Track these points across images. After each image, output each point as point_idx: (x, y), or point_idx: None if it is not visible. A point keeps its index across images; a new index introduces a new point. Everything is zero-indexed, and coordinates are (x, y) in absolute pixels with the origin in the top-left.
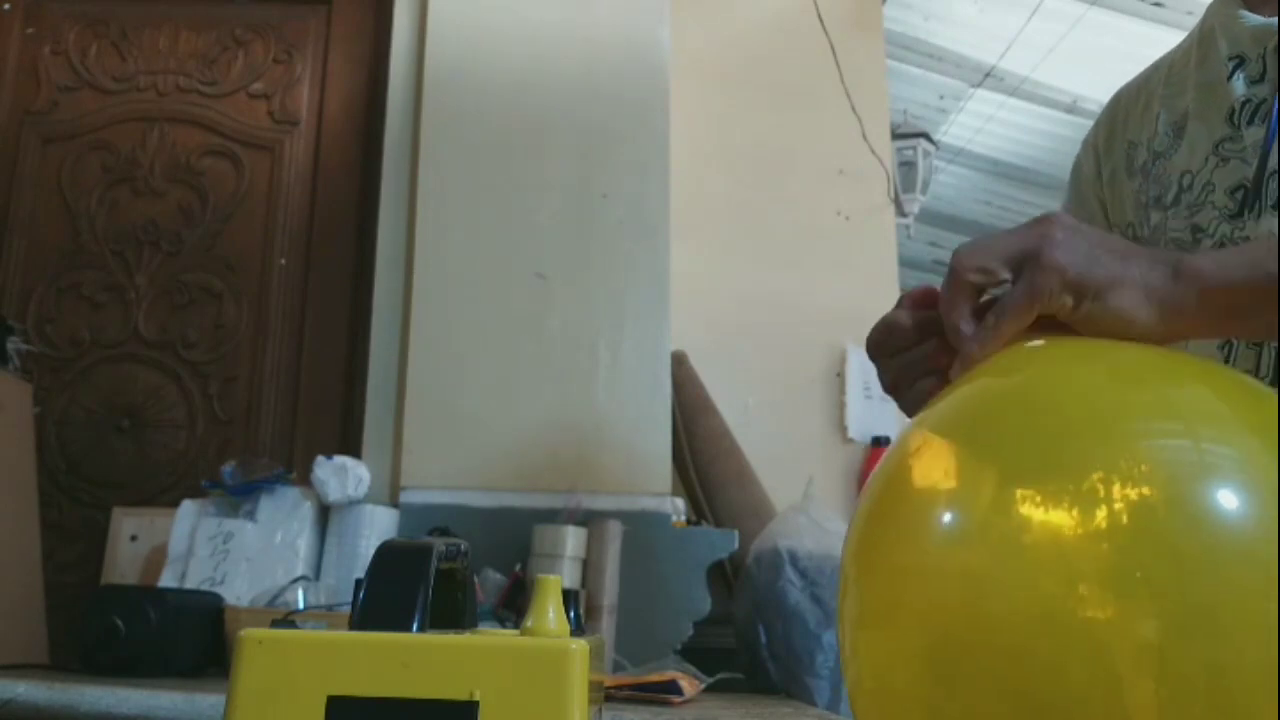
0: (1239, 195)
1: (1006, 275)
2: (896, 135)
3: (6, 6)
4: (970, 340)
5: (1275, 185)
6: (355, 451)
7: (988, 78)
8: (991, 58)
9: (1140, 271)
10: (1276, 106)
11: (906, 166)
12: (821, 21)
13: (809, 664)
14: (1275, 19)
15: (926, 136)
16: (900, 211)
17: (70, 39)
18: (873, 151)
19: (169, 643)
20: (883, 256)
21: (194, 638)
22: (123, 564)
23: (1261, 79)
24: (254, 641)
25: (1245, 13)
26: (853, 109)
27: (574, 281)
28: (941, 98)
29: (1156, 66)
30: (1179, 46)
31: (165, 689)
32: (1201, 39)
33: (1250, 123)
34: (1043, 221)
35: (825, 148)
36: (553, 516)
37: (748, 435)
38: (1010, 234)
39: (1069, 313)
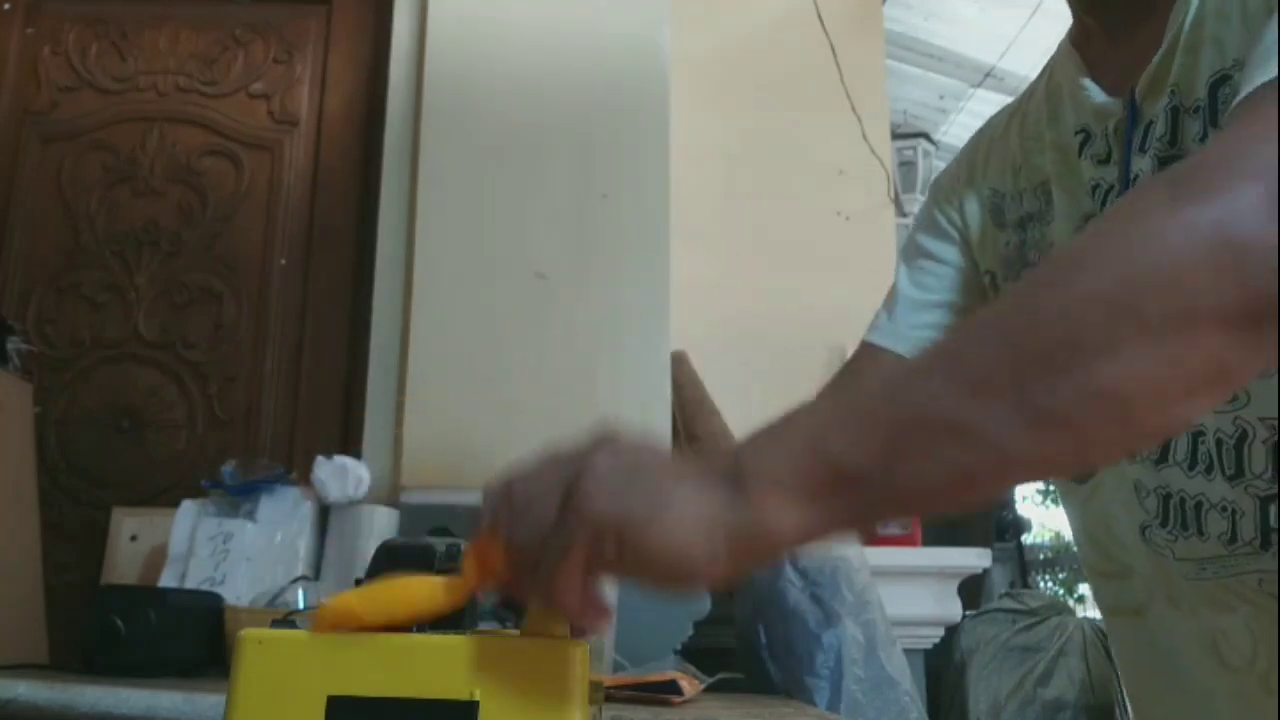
0: None
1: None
2: (896, 135)
3: (6, 6)
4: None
5: None
6: (355, 451)
7: (988, 78)
8: (991, 58)
9: (687, 497)
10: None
11: (906, 166)
12: (821, 21)
13: (809, 664)
14: (1115, 100)
15: (926, 136)
16: (900, 211)
17: (70, 39)
18: (873, 151)
19: (169, 643)
20: (883, 256)
21: (194, 638)
22: (123, 564)
23: (1108, 159)
24: (254, 641)
25: (1087, 82)
26: (853, 109)
27: (574, 281)
28: (941, 98)
29: (1017, 107)
30: (1034, 86)
31: (165, 689)
32: (1050, 94)
33: (1102, 209)
34: (591, 451)
35: (825, 148)
36: None
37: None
38: (554, 468)
39: (616, 561)
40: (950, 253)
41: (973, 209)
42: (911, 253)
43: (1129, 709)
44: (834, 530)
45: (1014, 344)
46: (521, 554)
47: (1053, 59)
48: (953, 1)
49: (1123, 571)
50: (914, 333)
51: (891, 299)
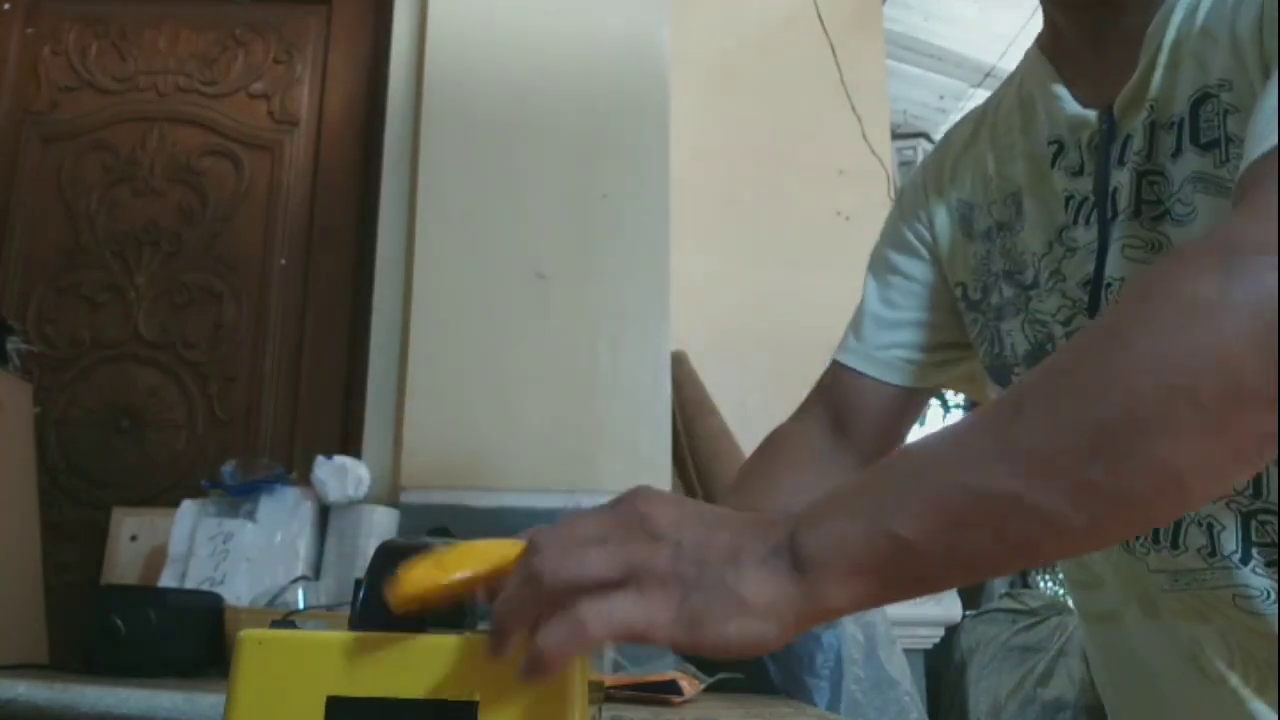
0: (1089, 290)
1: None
2: (896, 135)
3: (6, 6)
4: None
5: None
6: (355, 451)
7: (988, 78)
8: (991, 58)
9: (756, 586)
10: (1103, 217)
11: (906, 166)
12: (821, 21)
13: (809, 664)
14: (1090, 111)
15: (926, 136)
16: None
17: (70, 39)
18: (873, 151)
19: (169, 643)
20: None
21: (194, 638)
22: (123, 564)
23: (1081, 171)
24: (254, 642)
25: (1061, 91)
26: (853, 109)
27: (574, 281)
28: (941, 98)
29: (983, 115)
30: (1001, 94)
31: (165, 689)
32: (1022, 103)
33: (1076, 221)
34: (638, 517)
35: (825, 148)
36: (553, 516)
37: (748, 435)
38: (605, 541)
39: (686, 647)
40: (920, 269)
41: (942, 221)
42: (880, 267)
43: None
44: (893, 598)
45: (1073, 421)
46: (551, 591)
47: (1021, 66)
48: (953, 1)
49: (1093, 581)
50: (883, 353)
51: (859, 316)
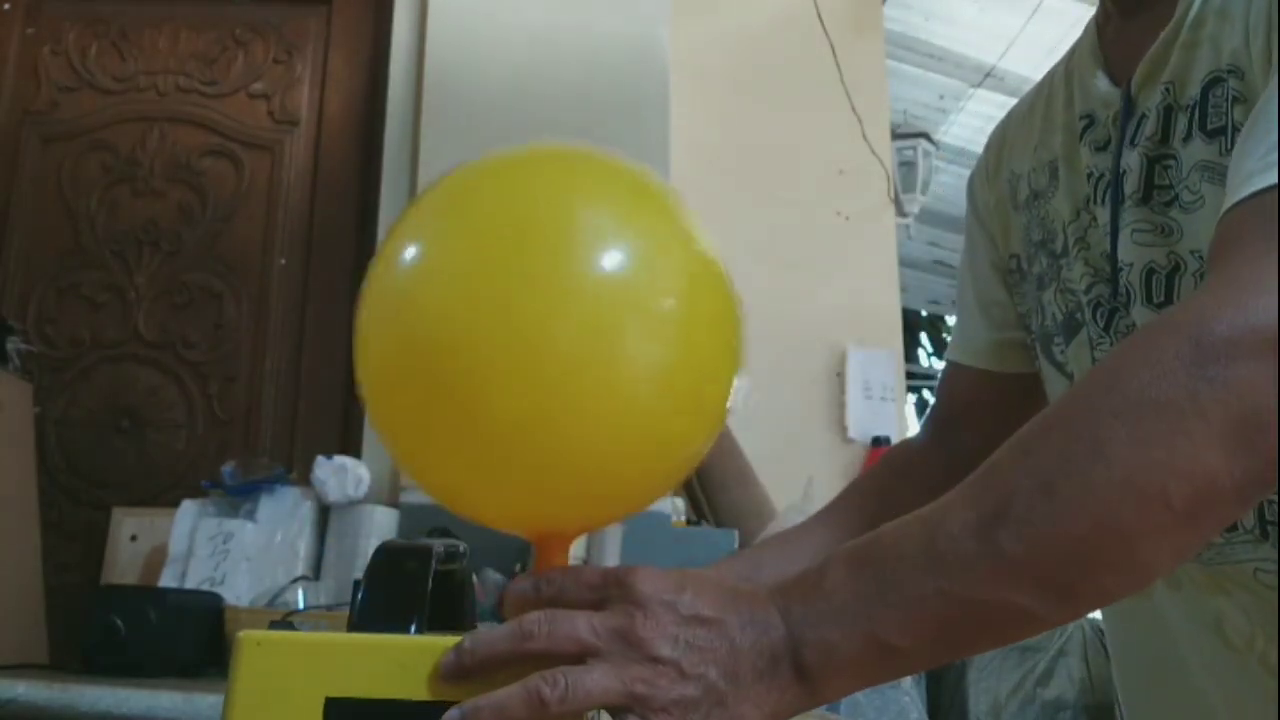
0: (1110, 262)
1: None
2: (896, 135)
3: (6, 6)
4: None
5: (1131, 279)
6: (355, 451)
7: (988, 78)
8: (991, 58)
9: (757, 701)
10: (1114, 197)
11: (906, 166)
12: (821, 22)
13: None
14: (1117, 89)
15: (926, 136)
16: (900, 211)
17: (70, 39)
18: (873, 151)
19: (169, 643)
20: (883, 256)
21: (194, 638)
22: (123, 564)
23: (1104, 148)
24: (252, 643)
25: (1096, 65)
26: (853, 109)
27: None
28: (941, 98)
29: (1040, 88)
30: (1058, 66)
31: (165, 689)
32: (1068, 77)
33: (1094, 199)
34: (636, 637)
35: (825, 148)
36: None
37: (748, 435)
38: (600, 653)
39: None
40: (989, 251)
41: (999, 197)
42: (964, 258)
43: (1120, 701)
44: (879, 684)
45: (1057, 534)
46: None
47: (1077, 40)
48: (953, 1)
49: None
50: (972, 342)
51: (957, 311)
